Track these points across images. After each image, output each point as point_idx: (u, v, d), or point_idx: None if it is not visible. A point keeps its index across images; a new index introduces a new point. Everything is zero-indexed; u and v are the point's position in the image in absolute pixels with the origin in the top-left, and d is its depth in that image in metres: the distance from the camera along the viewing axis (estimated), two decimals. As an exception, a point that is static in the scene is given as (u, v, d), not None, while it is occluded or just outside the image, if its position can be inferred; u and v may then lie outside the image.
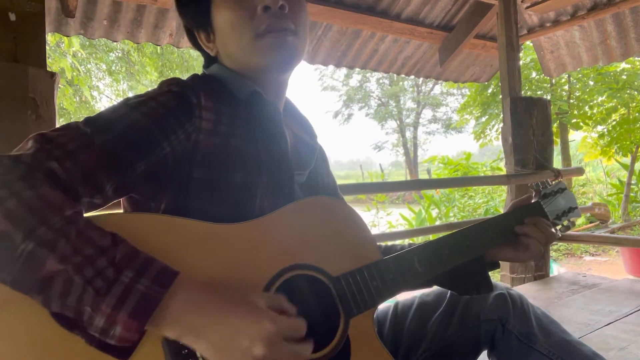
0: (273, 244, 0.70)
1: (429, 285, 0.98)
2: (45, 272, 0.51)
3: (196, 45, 0.90)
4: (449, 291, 0.99)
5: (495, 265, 1.01)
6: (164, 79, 0.81)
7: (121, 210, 0.77)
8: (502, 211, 4.50)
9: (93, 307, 0.52)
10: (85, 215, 0.59)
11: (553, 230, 0.99)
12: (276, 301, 0.62)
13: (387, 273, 0.79)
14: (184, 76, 0.80)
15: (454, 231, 0.93)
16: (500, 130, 6.23)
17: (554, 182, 1.10)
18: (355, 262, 0.77)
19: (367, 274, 0.77)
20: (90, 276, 0.52)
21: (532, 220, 0.97)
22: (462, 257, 0.90)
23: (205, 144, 0.72)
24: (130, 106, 0.68)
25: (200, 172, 0.72)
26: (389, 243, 1.08)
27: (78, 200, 0.59)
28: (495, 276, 3.96)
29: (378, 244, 1.06)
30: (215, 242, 0.66)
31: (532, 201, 1.05)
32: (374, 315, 0.79)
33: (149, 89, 0.75)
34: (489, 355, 1.00)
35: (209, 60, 0.89)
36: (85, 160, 0.60)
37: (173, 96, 0.72)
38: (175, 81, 0.75)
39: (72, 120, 0.71)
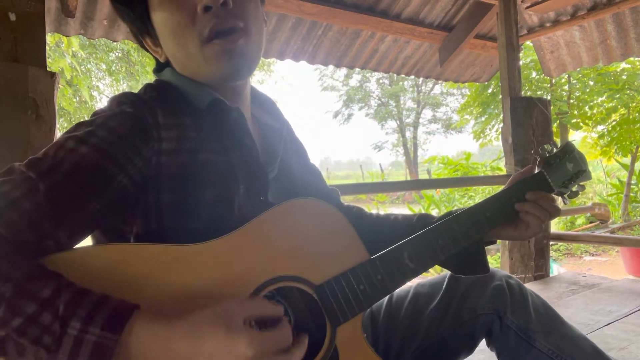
0: (250, 257, 0.65)
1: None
2: None
3: (145, 48, 0.82)
4: (445, 282, 0.95)
5: (492, 242, 0.94)
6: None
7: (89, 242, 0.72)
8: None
9: None
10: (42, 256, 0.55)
11: (557, 202, 0.92)
12: (256, 309, 0.57)
13: (374, 274, 0.72)
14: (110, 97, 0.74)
15: (447, 218, 0.84)
16: (500, 130, 6.23)
17: (560, 147, 0.98)
18: (340, 266, 0.71)
19: (353, 277, 0.71)
20: (35, 336, 0.48)
21: (533, 196, 0.88)
22: (458, 245, 0.82)
23: (169, 165, 0.66)
24: (78, 139, 0.61)
25: (168, 195, 0.66)
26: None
27: (24, 250, 0.54)
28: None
29: (414, 213, 0.99)
30: (188, 264, 0.61)
31: (535, 172, 0.96)
32: (363, 318, 0.73)
33: (97, 110, 0.68)
34: (488, 344, 0.96)
35: (160, 64, 0.82)
36: (29, 208, 0.55)
37: (125, 119, 0.65)
38: (127, 99, 0.68)
39: (71, 121, 0.68)
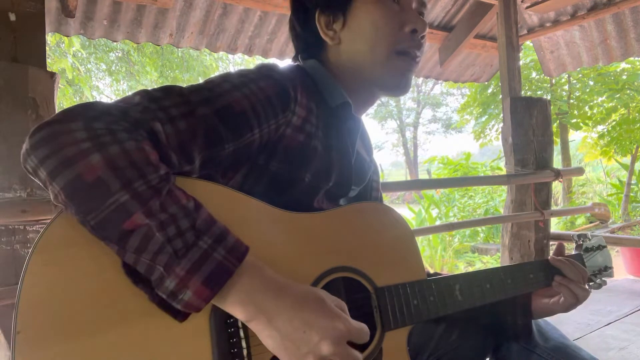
0: (326, 240, 0.71)
1: (466, 323, 0.97)
2: (130, 223, 0.51)
3: (303, 26, 0.85)
4: None
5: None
6: (165, 78, 0.79)
7: None
8: (501, 211, 4.49)
9: (166, 268, 0.52)
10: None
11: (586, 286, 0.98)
12: (340, 305, 0.61)
13: (428, 294, 0.78)
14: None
15: (495, 267, 0.92)
16: (500, 130, 6.23)
17: (593, 238, 1.10)
18: (401, 276, 0.77)
19: (410, 290, 0.76)
20: (171, 235, 0.52)
21: (572, 274, 0.94)
22: (501, 294, 0.88)
23: (290, 138, 0.72)
24: (233, 84, 0.67)
25: (277, 164, 0.71)
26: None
27: (170, 164, 0.59)
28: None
29: None
30: (276, 227, 0.67)
31: (574, 252, 1.06)
32: (409, 332, 0.77)
33: (245, 69, 0.73)
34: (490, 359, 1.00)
35: (308, 51, 0.86)
36: (184, 128, 0.60)
37: (274, 84, 0.70)
38: (277, 68, 0.74)
39: None
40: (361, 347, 0.71)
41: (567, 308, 0.94)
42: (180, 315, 0.55)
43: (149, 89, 0.62)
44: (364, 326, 0.61)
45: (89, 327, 0.53)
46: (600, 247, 1.08)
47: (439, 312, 0.80)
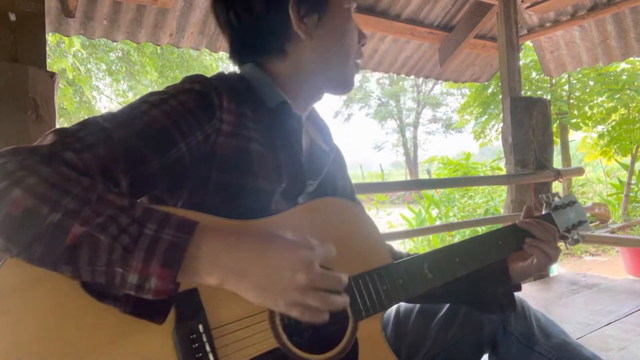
0: None
1: (447, 301, 0.98)
2: (72, 237, 0.52)
3: (266, 14, 0.80)
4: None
5: (518, 288, 0.99)
6: (165, 78, 0.80)
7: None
8: (501, 211, 4.50)
9: (124, 266, 0.52)
10: None
11: (561, 243, 0.99)
12: (300, 235, 0.63)
13: (397, 278, 0.79)
14: (184, 76, 0.78)
15: (463, 240, 0.92)
16: (500, 130, 6.23)
17: (564, 196, 1.10)
18: (366, 264, 0.77)
19: (377, 277, 0.77)
20: (115, 234, 0.53)
21: (542, 233, 0.95)
22: (472, 265, 0.89)
23: (224, 146, 0.72)
24: (151, 103, 0.68)
25: (218, 174, 0.72)
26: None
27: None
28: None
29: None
30: None
31: (543, 213, 1.06)
32: (382, 318, 0.78)
33: (169, 85, 0.74)
34: (489, 357, 1.00)
35: (249, 51, 0.84)
36: (103, 153, 0.60)
37: (194, 95, 0.71)
38: (198, 79, 0.74)
39: (71, 121, 0.70)
40: (335, 340, 0.71)
41: (541, 268, 0.95)
42: (158, 316, 0.57)
43: (66, 127, 0.63)
44: (328, 246, 0.62)
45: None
46: (571, 203, 1.08)
47: (410, 294, 0.80)
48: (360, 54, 0.89)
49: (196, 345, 0.60)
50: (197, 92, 0.71)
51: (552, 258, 0.94)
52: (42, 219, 0.51)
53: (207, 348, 0.61)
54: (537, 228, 0.94)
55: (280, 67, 0.83)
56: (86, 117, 0.67)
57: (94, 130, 0.62)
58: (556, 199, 1.08)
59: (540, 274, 2.95)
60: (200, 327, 0.61)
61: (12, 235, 0.52)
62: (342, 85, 0.88)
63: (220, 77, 0.78)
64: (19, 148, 0.57)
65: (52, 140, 0.59)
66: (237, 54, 0.87)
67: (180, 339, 0.59)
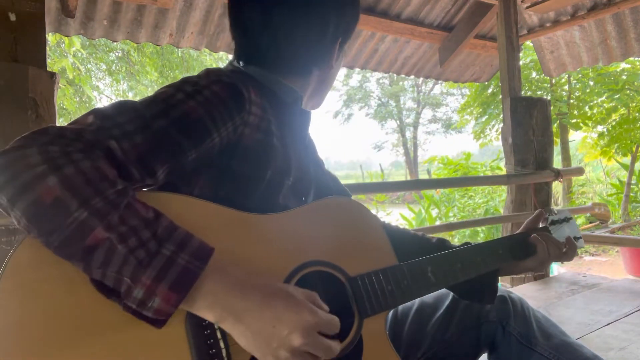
0: (295, 238, 0.73)
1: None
2: (92, 239, 0.52)
3: (318, 46, 0.84)
4: (450, 293, 1.00)
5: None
6: (165, 78, 0.80)
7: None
8: (501, 211, 4.49)
9: (133, 278, 0.53)
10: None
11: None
12: (311, 297, 0.63)
13: (402, 279, 0.81)
14: (184, 76, 0.78)
15: (467, 246, 0.95)
16: (500, 130, 6.23)
17: (558, 212, 1.15)
18: (372, 264, 0.79)
19: (383, 277, 0.79)
20: (133, 246, 0.53)
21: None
22: (474, 272, 0.92)
23: (248, 138, 0.73)
24: (186, 93, 0.68)
25: (238, 164, 0.72)
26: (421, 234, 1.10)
27: (130, 178, 0.60)
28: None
29: (414, 231, 1.10)
30: (244, 230, 0.68)
31: (540, 226, 1.09)
32: (387, 317, 0.81)
33: (191, 76, 0.73)
34: (489, 357, 1.00)
35: (251, 56, 0.83)
36: (141, 143, 0.61)
37: (226, 87, 0.71)
38: (223, 72, 0.75)
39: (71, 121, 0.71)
40: (342, 335, 0.72)
41: (539, 263, 1.01)
42: (158, 322, 0.56)
43: (102, 106, 0.63)
44: (333, 317, 0.62)
45: (67, 343, 0.54)
46: (566, 219, 1.14)
47: (413, 295, 0.83)
48: None
49: (208, 331, 0.61)
50: (228, 83, 0.72)
51: (545, 268, 1.02)
52: (69, 212, 0.52)
53: (219, 335, 0.61)
54: (544, 249, 0.99)
55: (290, 80, 0.84)
56: (120, 100, 0.66)
57: (133, 117, 0.62)
58: (553, 214, 1.13)
59: (540, 273, 2.95)
60: None
61: (37, 220, 0.52)
62: (318, 104, 0.93)
63: (238, 72, 0.80)
64: (65, 130, 0.57)
65: (94, 124, 0.59)
66: (249, 61, 0.83)
67: (192, 326, 0.60)
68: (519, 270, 1.02)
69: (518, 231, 1.09)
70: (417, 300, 1.03)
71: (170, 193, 0.66)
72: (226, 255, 0.63)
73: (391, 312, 1.04)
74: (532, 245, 1.00)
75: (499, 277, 1.01)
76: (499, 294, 0.96)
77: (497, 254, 0.96)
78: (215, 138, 0.68)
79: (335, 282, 0.75)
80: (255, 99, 0.74)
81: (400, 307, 1.04)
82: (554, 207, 1.19)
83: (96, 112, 0.61)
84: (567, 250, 1.02)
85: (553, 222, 1.12)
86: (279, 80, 0.83)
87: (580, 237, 1.15)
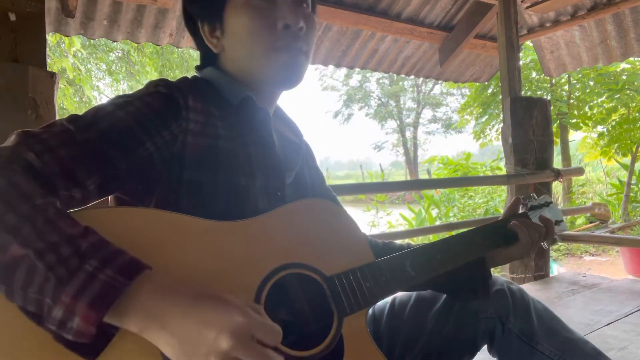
0: (267, 242, 0.71)
1: (426, 288, 0.99)
2: (9, 257, 0.50)
3: (195, 36, 0.88)
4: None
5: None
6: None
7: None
8: (501, 211, 4.50)
9: (53, 298, 0.50)
10: (67, 210, 0.58)
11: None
12: (255, 307, 0.58)
13: (380, 275, 0.80)
14: (183, 76, 0.80)
15: (445, 237, 0.94)
16: (500, 130, 6.23)
17: (538, 197, 1.14)
18: (349, 263, 0.78)
19: (360, 274, 0.78)
20: (52, 263, 0.50)
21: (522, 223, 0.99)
22: (454, 262, 0.90)
23: (193, 145, 0.73)
24: (116, 105, 0.68)
25: (189, 174, 0.72)
26: (386, 240, 1.08)
27: (54, 192, 0.58)
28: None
29: (378, 239, 1.07)
30: (209, 239, 0.66)
31: (520, 212, 1.08)
32: (367, 315, 0.79)
33: (137, 89, 0.75)
34: (489, 350, 0.98)
35: (206, 60, 0.88)
36: (65, 155, 0.60)
37: (159, 97, 0.72)
38: (162, 82, 0.75)
39: None
40: (321, 336, 0.72)
41: (523, 251, 0.99)
42: (89, 353, 0.53)
43: (30, 129, 0.63)
44: (273, 325, 0.56)
45: None
46: (546, 204, 1.12)
47: (393, 291, 0.83)
48: (284, 38, 0.79)
49: None
50: (162, 93, 0.72)
51: (531, 254, 0.99)
52: None
53: None
54: (525, 234, 0.97)
55: (228, 68, 0.85)
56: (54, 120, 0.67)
57: (57, 131, 0.62)
58: (532, 200, 1.12)
59: (540, 273, 2.95)
60: None
61: None
62: (279, 81, 0.83)
63: (183, 80, 0.80)
64: None
65: (15, 141, 0.58)
66: (205, 64, 0.89)
67: None
68: (504, 259, 1.01)
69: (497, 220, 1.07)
70: (414, 294, 1.02)
71: (128, 207, 0.65)
72: (185, 268, 0.60)
73: (387, 308, 1.03)
74: (513, 232, 0.98)
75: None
76: (498, 287, 0.95)
77: (476, 243, 0.95)
78: (150, 147, 0.68)
79: (311, 283, 0.74)
80: (195, 105, 0.74)
81: (398, 300, 1.03)
82: (534, 194, 1.17)
83: (19, 132, 0.60)
84: (545, 230, 1.01)
85: (532, 208, 1.10)
86: (228, 80, 0.83)
87: (562, 221, 1.13)
